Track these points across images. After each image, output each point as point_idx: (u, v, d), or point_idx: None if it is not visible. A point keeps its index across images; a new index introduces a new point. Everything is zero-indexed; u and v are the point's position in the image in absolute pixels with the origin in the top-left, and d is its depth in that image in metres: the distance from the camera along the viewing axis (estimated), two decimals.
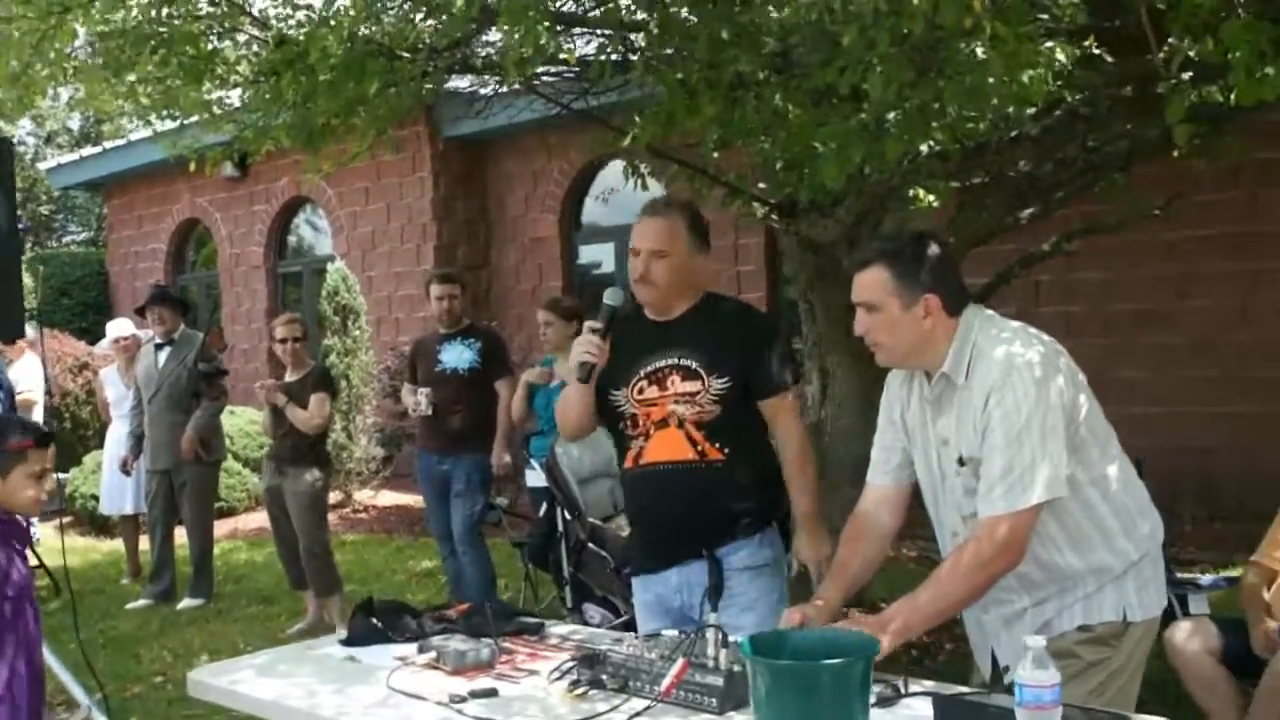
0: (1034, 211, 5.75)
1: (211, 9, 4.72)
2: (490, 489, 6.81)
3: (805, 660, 2.24)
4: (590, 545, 5.44)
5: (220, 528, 9.34)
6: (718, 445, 3.31)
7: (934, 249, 2.81)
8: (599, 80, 4.61)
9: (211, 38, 4.76)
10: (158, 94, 4.89)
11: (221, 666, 3.11)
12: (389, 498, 11.48)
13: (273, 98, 4.11)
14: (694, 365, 3.32)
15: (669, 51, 4.12)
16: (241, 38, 4.95)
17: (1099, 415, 2.81)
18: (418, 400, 6.66)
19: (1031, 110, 3.77)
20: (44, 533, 7.57)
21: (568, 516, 5.57)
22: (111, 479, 8.66)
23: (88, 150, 18.63)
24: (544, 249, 13.10)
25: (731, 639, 2.59)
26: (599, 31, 4.98)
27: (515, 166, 13.24)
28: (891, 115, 3.55)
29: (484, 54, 4.88)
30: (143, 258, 16.77)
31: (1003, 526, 2.63)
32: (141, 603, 7.79)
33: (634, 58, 4.16)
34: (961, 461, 2.76)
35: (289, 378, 6.91)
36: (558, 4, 5.43)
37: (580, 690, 2.68)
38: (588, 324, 3.36)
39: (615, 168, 12.91)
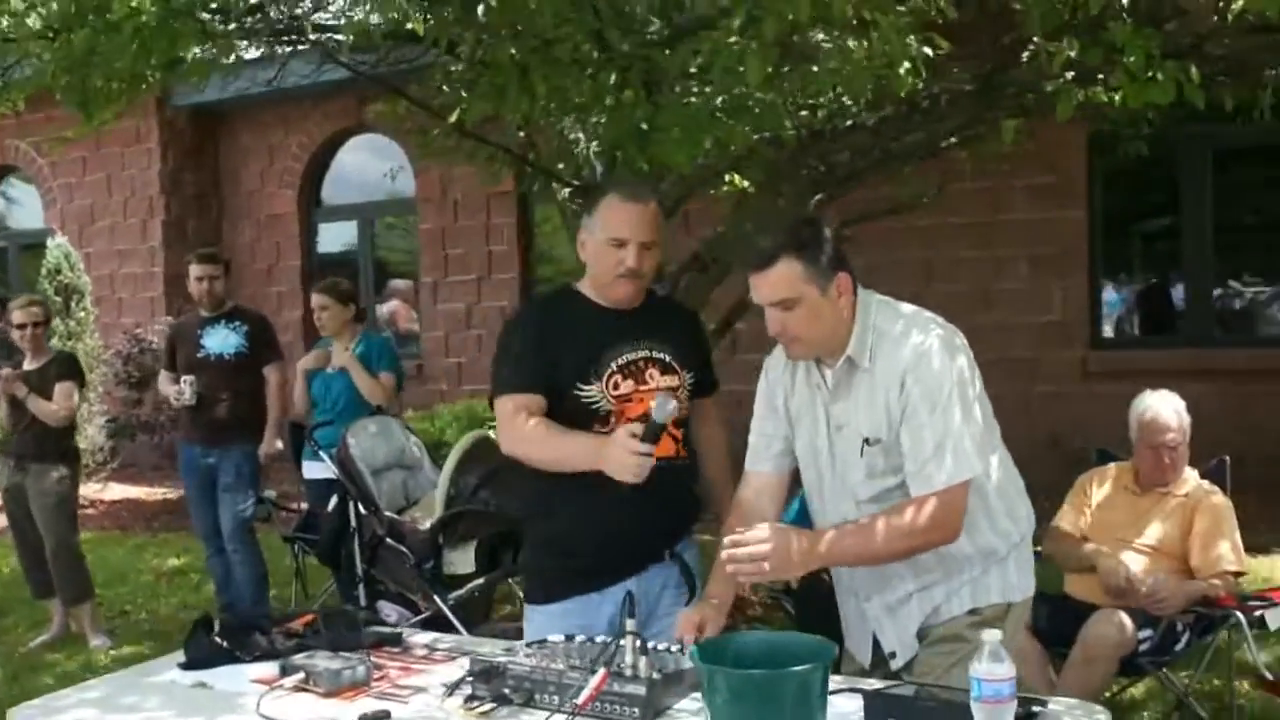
0: (821, 198, 5.86)
1: None
2: (260, 482, 6.40)
3: (751, 665, 2.15)
4: (388, 540, 5.18)
5: None
6: (684, 443, 3.14)
7: (824, 223, 2.76)
8: (432, 50, 4.32)
9: None
10: None
11: (45, 704, 2.72)
12: (118, 491, 10.68)
13: (58, 54, 3.62)
14: (668, 358, 3.10)
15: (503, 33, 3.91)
16: None
17: (984, 397, 2.85)
18: (180, 389, 6.17)
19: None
20: None
21: (362, 511, 5.28)
22: None
23: None
24: (281, 226, 12.49)
25: (652, 645, 2.47)
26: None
27: (250, 139, 12.55)
28: (751, 101, 3.49)
29: (289, 16, 4.51)
30: None
31: (936, 502, 2.62)
32: None
33: (467, 33, 3.93)
34: (868, 441, 2.73)
35: (28, 366, 6.27)
36: None
37: (482, 707, 2.50)
38: (628, 434, 2.80)
39: (357, 143, 12.46)
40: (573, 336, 3.03)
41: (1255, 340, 9.07)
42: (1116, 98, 3.02)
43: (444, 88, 4.96)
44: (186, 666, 2.91)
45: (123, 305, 12.36)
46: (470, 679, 2.58)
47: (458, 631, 4.69)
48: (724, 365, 3.56)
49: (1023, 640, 3.03)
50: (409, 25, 3.23)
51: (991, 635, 2.15)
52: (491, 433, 5.76)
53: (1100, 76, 3.08)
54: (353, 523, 5.35)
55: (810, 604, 4.99)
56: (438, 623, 4.86)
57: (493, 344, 11.92)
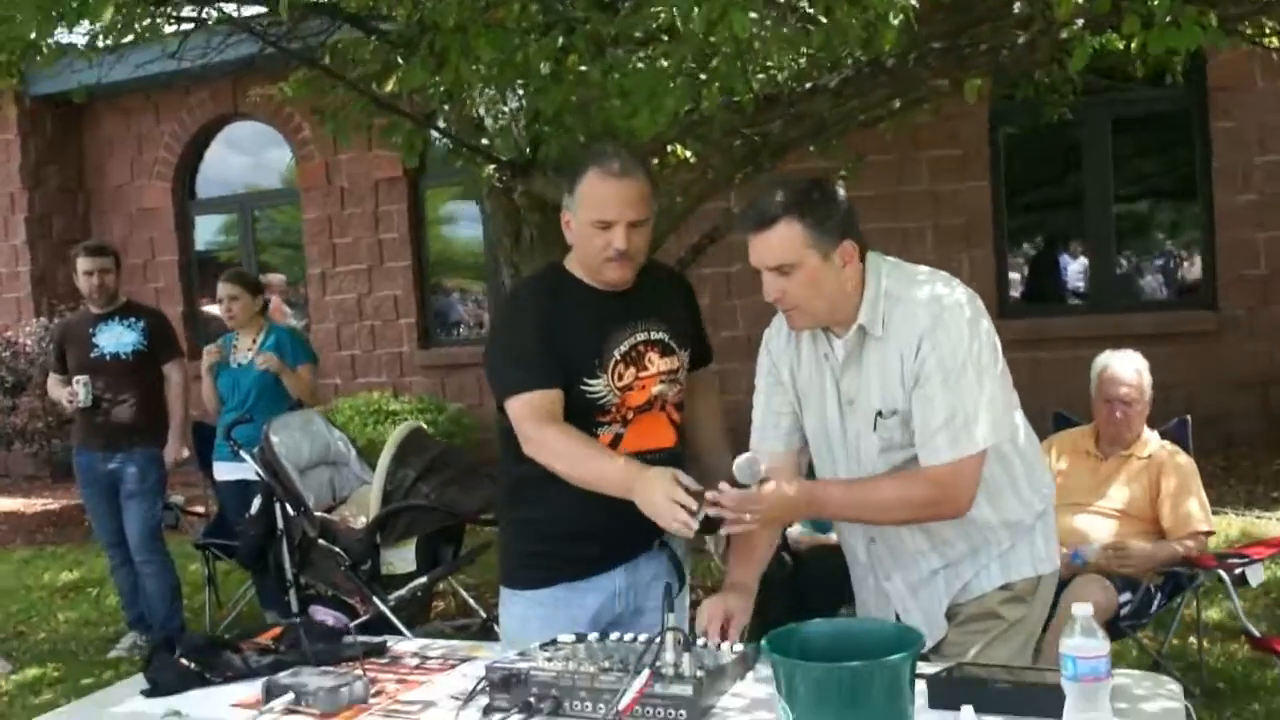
0: (749, 171, 5.70)
1: None
2: (166, 486, 5.99)
3: (819, 656, 1.96)
4: (321, 542, 4.86)
5: None
6: (680, 426, 2.92)
7: (834, 186, 2.58)
8: (370, 17, 4.02)
9: None
10: None
11: None
12: None
13: None
14: (666, 339, 2.86)
15: None
16: None
17: (1002, 360, 2.69)
18: (74, 391, 5.72)
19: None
20: None
21: (290, 512, 4.95)
22: None
23: None
24: (155, 220, 11.91)
25: (701, 641, 2.26)
26: None
27: (117, 129, 11.93)
28: (715, 63, 3.28)
29: None
30: None
31: (945, 474, 2.48)
32: None
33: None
34: (881, 414, 2.56)
35: None
36: None
37: (505, 719, 2.25)
38: (674, 484, 2.47)
39: (234, 131, 11.91)
40: (575, 325, 2.78)
41: (1158, 304, 9.23)
42: (1133, 45, 2.90)
43: (365, 58, 4.66)
44: (152, 693, 2.60)
45: None
46: (487, 688, 2.34)
47: (400, 634, 4.42)
48: None
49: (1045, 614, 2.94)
50: None
51: (1083, 609, 1.99)
52: (422, 424, 5.50)
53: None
54: (279, 525, 5.02)
55: (771, 588, 4.86)
56: (377, 626, 4.59)
57: (387, 334, 11.63)
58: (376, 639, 2.82)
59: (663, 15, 3.28)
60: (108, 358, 5.80)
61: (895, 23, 2.82)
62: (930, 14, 3.17)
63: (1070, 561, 4.12)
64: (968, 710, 1.90)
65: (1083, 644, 1.96)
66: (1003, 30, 3.62)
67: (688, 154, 4.46)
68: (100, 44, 3.75)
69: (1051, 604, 4.03)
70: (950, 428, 2.46)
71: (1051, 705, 1.97)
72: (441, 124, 5.06)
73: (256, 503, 5.11)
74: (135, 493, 5.76)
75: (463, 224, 11.61)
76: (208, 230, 12.28)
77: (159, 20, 3.72)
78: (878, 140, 8.15)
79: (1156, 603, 4.27)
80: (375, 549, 4.82)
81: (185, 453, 5.94)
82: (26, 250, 11.60)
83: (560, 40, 3.75)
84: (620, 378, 2.79)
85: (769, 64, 3.54)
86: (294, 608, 5.04)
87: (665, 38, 3.96)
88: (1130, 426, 4.40)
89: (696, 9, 2.88)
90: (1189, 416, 4.62)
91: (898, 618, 2.74)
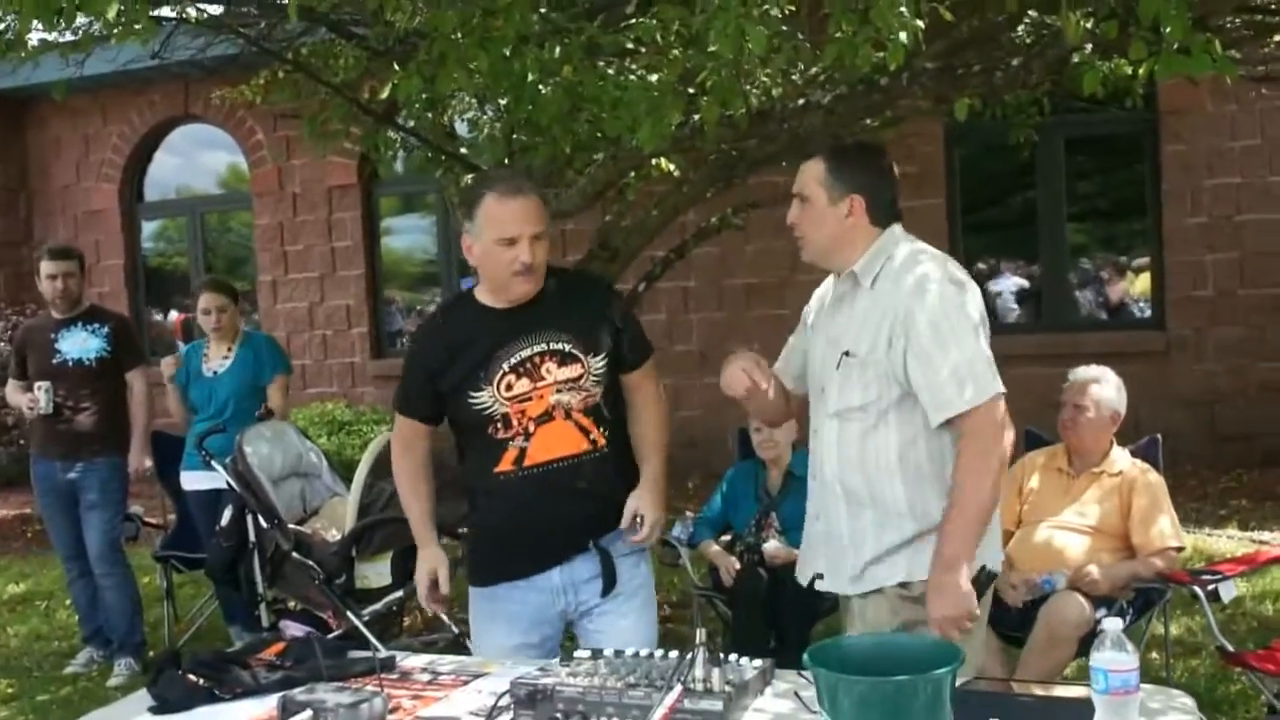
0: (720, 186, 5.73)
1: None
2: (128, 496, 5.89)
3: (860, 670, 1.98)
4: (294, 555, 4.80)
5: None
6: (602, 429, 3.03)
7: (880, 159, 2.89)
8: (381, 21, 3.97)
9: None
10: None
11: None
12: None
13: None
14: (568, 348, 2.99)
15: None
16: None
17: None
18: (34, 397, 5.60)
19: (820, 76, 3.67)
20: None
21: (263, 524, 4.88)
22: None
23: None
24: (101, 223, 11.71)
25: (724, 656, 2.27)
26: None
27: (62, 129, 11.72)
28: (718, 77, 3.31)
29: None
30: None
31: (978, 415, 2.66)
32: None
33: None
34: (848, 354, 2.79)
35: None
36: None
37: None
38: (437, 574, 3.14)
39: (185, 133, 11.75)
40: (463, 344, 3.00)
41: (1108, 324, 9.40)
42: (1141, 70, 2.97)
43: (344, 64, 4.63)
44: (159, 710, 2.55)
45: None
46: (512, 704, 2.33)
47: (374, 648, 4.37)
48: None
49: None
50: None
51: (1114, 624, 2.04)
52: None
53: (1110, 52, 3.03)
54: (251, 537, 4.95)
55: (746, 603, 4.89)
56: (350, 641, 4.54)
57: (339, 343, 11.58)
58: (385, 654, 2.80)
59: (677, 27, 3.31)
60: (70, 364, 5.68)
61: (904, 41, 2.87)
62: (927, 34, 3.22)
63: (1041, 588, 4.20)
64: None
65: (1114, 658, 2.01)
66: (996, 52, 3.69)
67: (671, 167, 4.47)
68: (107, 39, 3.67)
69: (1012, 623, 4.20)
70: (957, 377, 2.65)
71: (1078, 719, 2.01)
72: (419, 132, 5.04)
73: (227, 514, 5.04)
74: (96, 503, 5.64)
75: (413, 234, 11.54)
76: (155, 234, 12.09)
77: (153, 18, 3.65)
78: None
79: (1128, 619, 4.35)
80: (350, 563, 4.77)
81: (148, 462, 5.84)
82: None
83: (557, 50, 3.76)
84: (510, 388, 2.96)
85: (765, 78, 3.57)
86: (265, 622, 4.97)
87: (643, 50, 3.99)
88: (1079, 434, 4.46)
89: (715, 24, 2.91)
90: (1159, 436, 4.71)
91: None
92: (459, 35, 3.72)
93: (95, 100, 11.37)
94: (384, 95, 4.17)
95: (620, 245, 5.29)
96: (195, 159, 11.68)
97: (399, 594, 4.82)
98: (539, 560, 3.06)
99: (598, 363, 3.02)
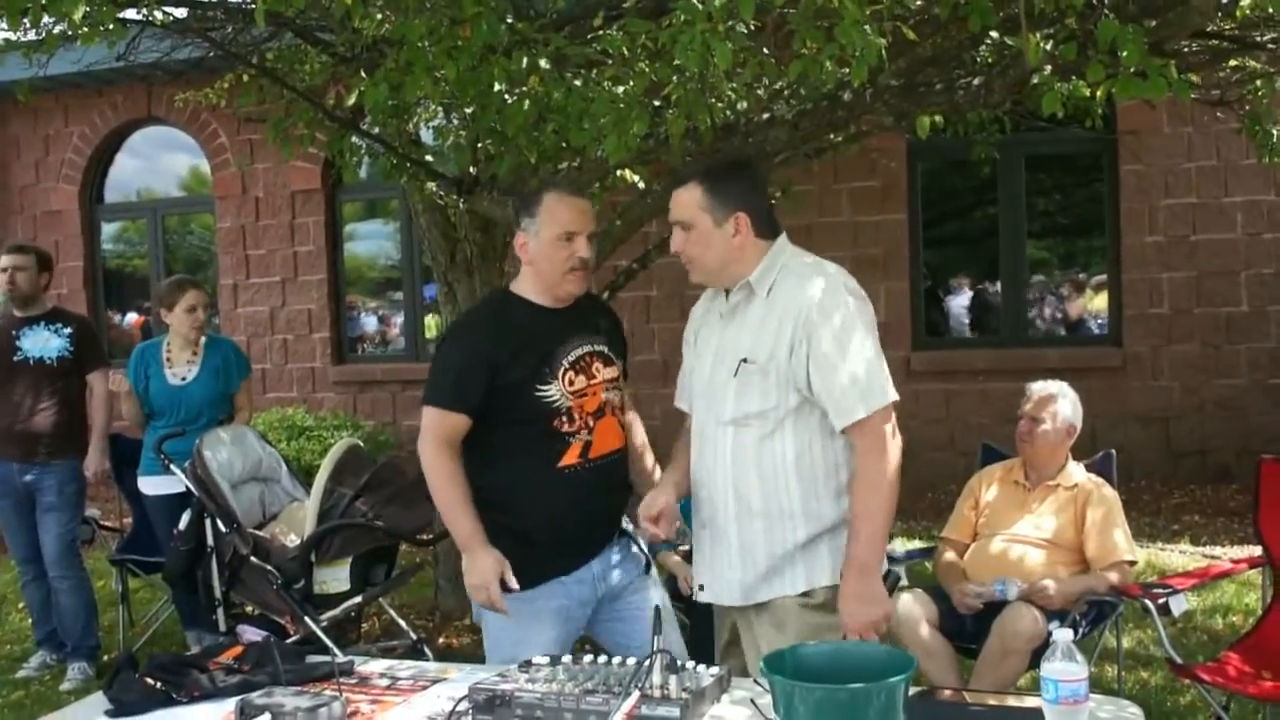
0: None
1: None
2: (85, 499, 5.84)
3: (814, 678, 2.01)
4: (253, 560, 4.78)
5: None
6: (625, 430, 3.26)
7: (754, 174, 2.99)
8: (349, 27, 3.98)
9: None
10: None
11: None
12: None
13: None
14: (606, 350, 3.19)
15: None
16: None
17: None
18: None
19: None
20: None
21: (221, 529, 4.85)
22: None
23: None
24: (61, 224, 11.59)
25: (682, 663, 2.30)
26: None
27: (23, 129, 11.61)
28: (684, 91, 3.34)
29: None
30: None
31: (873, 423, 2.75)
32: None
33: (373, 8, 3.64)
34: (746, 361, 2.83)
35: None
36: None
37: None
38: (500, 570, 2.99)
39: (146, 135, 11.66)
40: (525, 339, 3.07)
41: (1065, 340, 9.52)
42: (1099, 92, 3.03)
43: (310, 70, 4.63)
44: (115, 713, 2.55)
45: None
46: (471, 709, 2.35)
47: (332, 653, 4.37)
48: None
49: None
50: None
51: (1064, 635, 2.08)
52: (359, 442, 5.45)
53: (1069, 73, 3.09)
54: (209, 542, 4.92)
55: (703, 611, 4.88)
56: (308, 646, 4.53)
57: (300, 348, 11.51)
58: (344, 658, 2.80)
59: (643, 40, 3.34)
60: (31, 362, 5.65)
61: (868, 59, 2.91)
62: (889, 51, 3.28)
63: (994, 594, 4.25)
64: None
65: (1065, 668, 2.05)
66: (958, 71, 3.74)
67: (636, 178, 4.51)
68: (73, 40, 3.65)
69: (968, 634, 4.25)
70: (858, 385, 2.74)
71: None
72: (384, 139, 5.05)
73: (185, 518, 5.00)
74: (52, 506, 5.60)
75: (377, 239, 11.51)
76: (115, 236, 11.99)
77: (119, 20, 3.64)
78: (800, 171, 8.31)
79: (1081, 631, 4.40)
80: (309, 568, 4.75)
81: (106, 464, 5.79)
82: None
83: (524, 60, 3.78)
84: (572, 383, 3.07)
85: (730, 92, 3.62)
86: (222, 626, 4.94)
87: (610, 62, 4.02)
88: (1035, 445, 4.52)
89: (681, 38, 2.94)
90: (1114, 451, 4.77)
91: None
92: (426, 44, 3.73)
93: (57, 101, 11.28)
94: (350, 101, 4.18)
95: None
96: (157, 161, 11.59)
97: (357, 600, 4.81)
98: (589, 551, 3.14)
99: (620, 368, 3.23)
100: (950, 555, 4.58)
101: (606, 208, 5.71)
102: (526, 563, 3.02)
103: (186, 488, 5.01)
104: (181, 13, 4.70)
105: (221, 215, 11.16)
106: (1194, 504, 8.34)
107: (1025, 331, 9.39)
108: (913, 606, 4.34)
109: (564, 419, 3.04)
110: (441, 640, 5.75)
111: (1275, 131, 5.72)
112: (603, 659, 2.51)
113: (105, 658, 5.73)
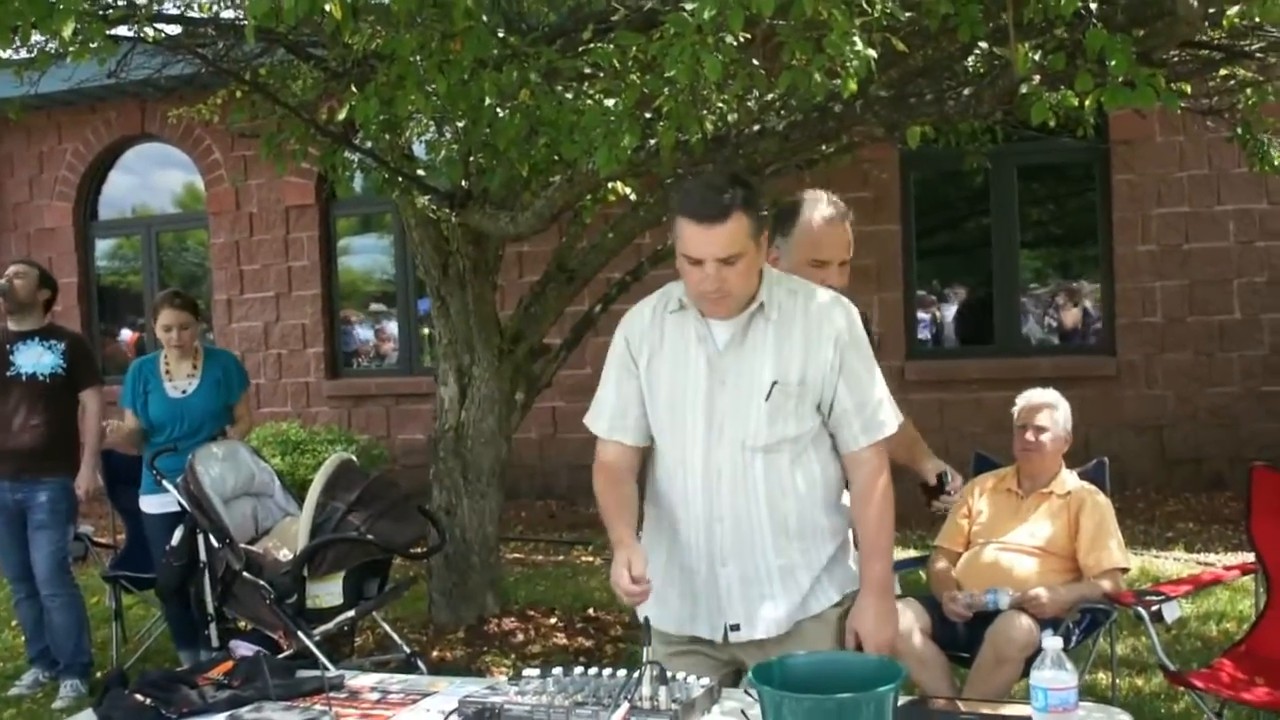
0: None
1: None
2: (77, 516, 5.82)
3: (802, 688, 2.01)
4: (246, 575, 4.77)
5: None
6: None
7: (752, 182, 2.77)
8: (340, 43, 4.00)
9: None
10: None
11: None
12: None
13: None
14: None
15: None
16: None
17: None
18: None
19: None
20: None
21: (214, 544, 4.85)
22: None
23: None
24: (55, 241, 11.60)
25: (672, 675, 2.29)
26: None
27: (16, 146, 11.62)
28: (675, 102, 3.35)
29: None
30: None
31: (869, 454, 2.75)
32: None
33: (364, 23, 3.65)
34: (778, 383, 2.69)
35: None
36: None
37: None
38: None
39: (140, 152, 11.68)
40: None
41: (1059, 349, 9.53)
42: (1088, 101, 3.04)
43: (302, 85, 4.64)
44: None
45: None
46: None
47: (324, 669, 4.36)
48: None
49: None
50: (326, 7, 2.92)
51: (1054, 643, 2.08)
52: (352, 456, 5.43)
53: (1059, 83, 3.11)
54: (203, 557, 4.91)
55: None
56: (301, 660, 4.52)
57: (294, 363, 11.50)
58: (334, 673, 2.80)
59: (634, 53, 3.35)
60: (24, 378, 5.64)
61: (859, 71, 2.92)
62: (880, 62, 3.29)
63: (985, 604, 4.24)
64: None
65: (1054, 676, 2.05)
66: (948, 81, 3.75)
67: (627, 190, 4.51)
68: (63, 58, 3.66)
69: (961, 642, 4.24)
70: (861, 416, 2.73)
71: None
72: (376, 153, 5.06)
73: (178, 534, 5.00)
74: (44, 523, 5.57)
75: (371, 254, 11.52)
76: (109, 253, 12.00)
77: (110, 37, 3.64)
78: (792, 182, 8.31)
79: (1075, 639, 4.40)
80: (302, 582, 4.75)
81: (99, 482, 5.78)
82: None
83: (515, 74, 3.79)
84: None
85: (720, 104, 3.62)
86: (214, 642, 4.93)
87: (601, 74, 4.03)
88: (1043, 454, 4.53)
89: (672, 50, 2.94)
90: (1106, 459, 4.77)
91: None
92: (417, 58, 3.74)
93: (50, 118, 11.30)
94: (342, 116, 4.19)
95: (577, 267, 5.32)
96: (150, 178, 11.61)
97: (350, 614, 4.81)
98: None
99: None
100: (943, 564, 4.58)
101: (599, 219, 5.72)
102: None
103: (179, 503, 5.00)
104: (173, 29, 4.71)
105: (215, 231, 11.17)
106: (1188, 511, 8.35)
107: (1019, 341, 9.41)
108: (904, 614, 4.32)
109: None
110: (435, 654, 5.73)
111: (1266, 140, 5.74)
112: (593, 671, 2.51)
113: (98, 675, 5.70)
